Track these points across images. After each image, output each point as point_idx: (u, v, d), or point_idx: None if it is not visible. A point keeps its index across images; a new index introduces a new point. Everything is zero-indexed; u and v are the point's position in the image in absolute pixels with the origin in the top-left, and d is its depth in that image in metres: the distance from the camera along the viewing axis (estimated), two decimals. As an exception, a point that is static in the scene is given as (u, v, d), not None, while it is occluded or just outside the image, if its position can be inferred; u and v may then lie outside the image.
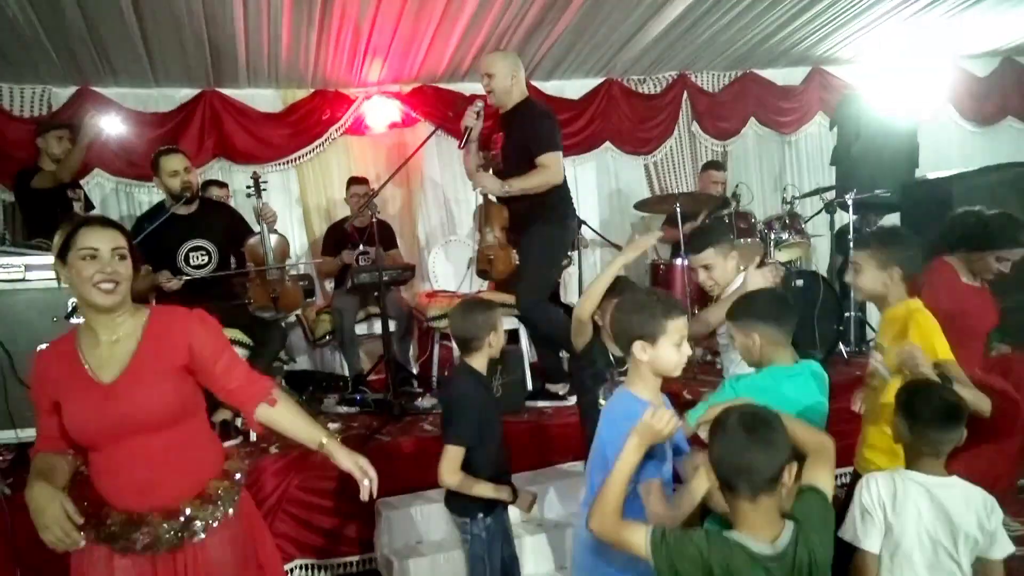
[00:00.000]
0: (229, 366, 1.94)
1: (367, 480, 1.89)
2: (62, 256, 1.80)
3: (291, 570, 3.25)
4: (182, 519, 1.80)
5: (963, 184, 3.95)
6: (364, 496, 1.89)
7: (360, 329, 4.57)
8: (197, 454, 1.91)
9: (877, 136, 5.34)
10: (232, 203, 4.71)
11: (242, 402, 1.96)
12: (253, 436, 3.60)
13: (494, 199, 3.91)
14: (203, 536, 1.82)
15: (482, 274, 4.14)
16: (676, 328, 1.95)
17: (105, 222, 1.88)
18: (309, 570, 3.29)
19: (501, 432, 2.57)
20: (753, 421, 1.60)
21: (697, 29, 5.42)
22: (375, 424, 3.75)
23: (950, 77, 6.53)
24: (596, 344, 2.61)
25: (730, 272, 2.76)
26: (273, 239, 3.91)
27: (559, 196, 3.82)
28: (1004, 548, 1.98)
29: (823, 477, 1.73)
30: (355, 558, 3.32)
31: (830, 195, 5.14)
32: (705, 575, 1.54)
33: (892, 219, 4.80)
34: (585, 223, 4.50)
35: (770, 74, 6.33)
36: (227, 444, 3.24)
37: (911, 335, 2.36)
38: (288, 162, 5.44)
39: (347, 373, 4.53)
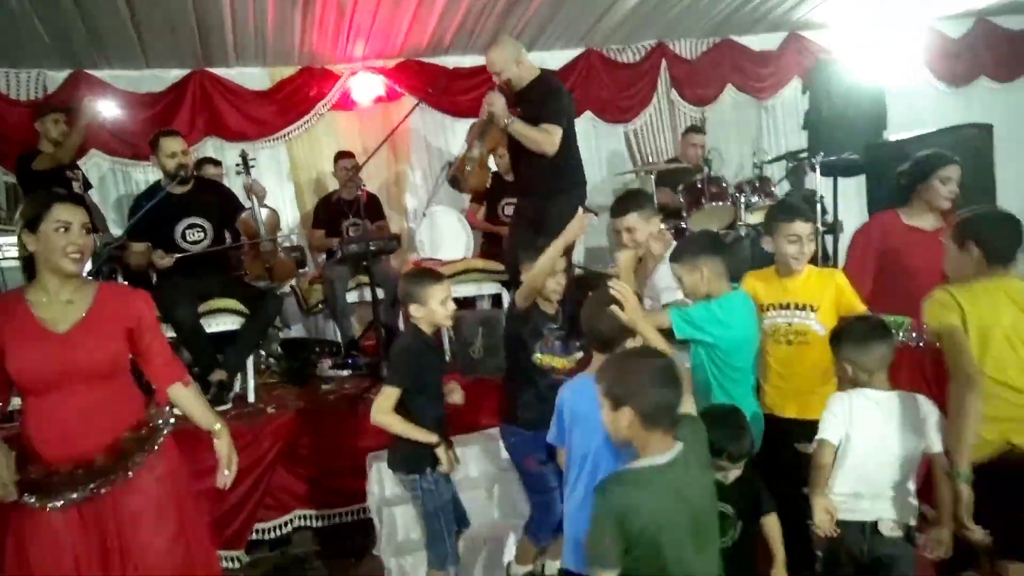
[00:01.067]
0: (158, 346, 2.25)
1: (227, 471, 2.28)
2: (31, 227, 2.04)
3: (290, 520, 3.52)
4: (97, 468, 2.05)
5: (922, 145, 4.09)
6: (219, 483, 2.28)
7: (351, 297, 4.77)
8: (120, 408, 2.15)
9: (847, 99, 5.48)
10: (226, 181, 4.91)
11: (159, 378, 2.26)
12: (251, 398, 3.85)
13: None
14: (120, 481, 2.07)
15: (453, 181, 4.32)
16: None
17: (75, 199, 2.17)
18: (307, 519, 3.56)
19: (439, 388, 2.71)
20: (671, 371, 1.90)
21: (675, -4, 5.52)
22: (365, 385, 4.00)
23: (924, 39, 6.63)
24: (536, 304, 2.83)
25: (649, 233, 2.98)
26: (264, 213, 4.11)
27: (572, 168, 3.94)
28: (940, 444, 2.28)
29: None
30: (350, 508, 3.60)
31: (800, 159, 5.31)
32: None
33: (859, 180, 4.97)
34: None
35: (747, 40, 6.44)
36: (220, 408, 3.50)
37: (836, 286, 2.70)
38: (278, 138, 5.63)
39: (340, 339, 4.76)
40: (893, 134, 5.47)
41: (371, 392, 3.82)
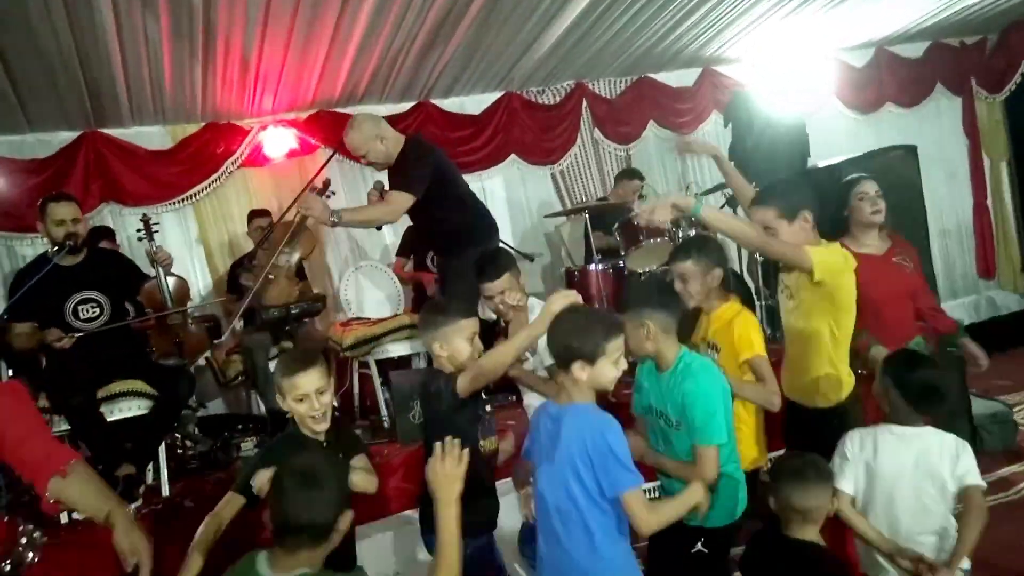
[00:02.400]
0: (23, 437, 1.85)
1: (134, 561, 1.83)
2: None
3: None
4: None
5: (853, 167, 4.12)
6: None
7: (274, 366, 4.38)
8: None
9: (768, 130, 5.54)
10: (125, 250, 4.48)
11: (35, 476, 1.86)
12: (165, 491, 3.40)
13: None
14: None
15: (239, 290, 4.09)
16: (615, 347, 2.04)
17: None
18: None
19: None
20: None
21: (589, 38, 5.49)
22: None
23: (831, 69, 6.82)
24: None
25: (521, 293, 2.95)
26: (171, 282, 3.72)
27: (465, 225, 3.80)
28: (977, 480, 2.21)
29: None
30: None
31: (730, 190, 5.27)
32: None
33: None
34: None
35: (664, 77, 6.47)
36: (131, 505, 3.06)
37: (736, 331, 2.59)
38: (183, 200, 5.23)
39: (264, 413, 4.35)
40: (813, 163, 5.56)
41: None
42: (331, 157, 4.88)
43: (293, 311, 3.87)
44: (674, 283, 2.67)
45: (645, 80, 6.39)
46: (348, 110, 5.59)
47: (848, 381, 2.68)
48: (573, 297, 2.17)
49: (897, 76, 7.07)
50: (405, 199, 3.58)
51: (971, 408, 4.45)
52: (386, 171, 3.79)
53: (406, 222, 4.34)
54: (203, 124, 5.27)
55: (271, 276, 3.87)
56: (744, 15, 5.72)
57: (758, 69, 6.53)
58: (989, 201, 7.44)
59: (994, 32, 7.32)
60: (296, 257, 3.99)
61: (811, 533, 2.14)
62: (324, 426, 2.33)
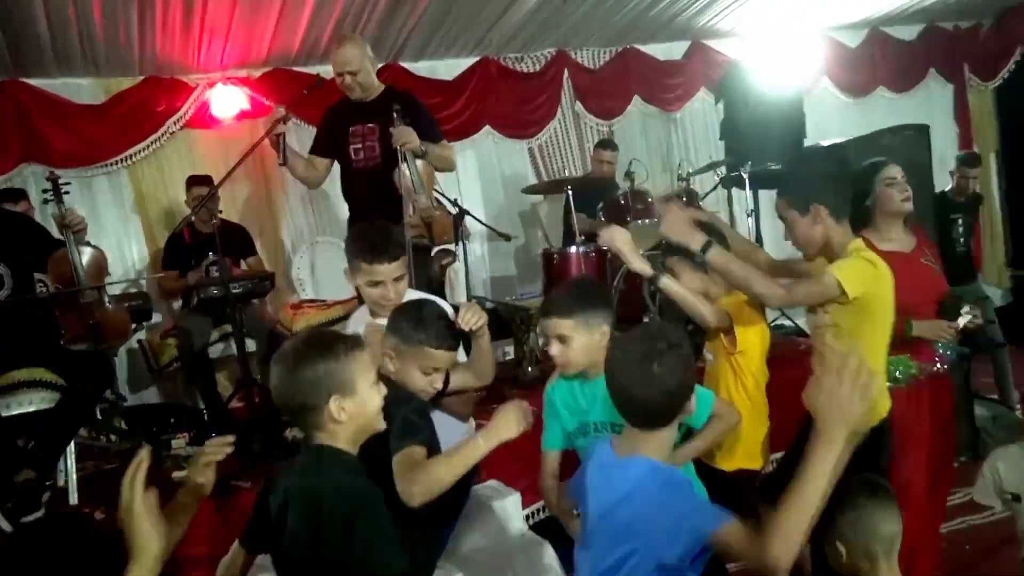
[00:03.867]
0: None
1: None
2: None
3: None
4: None
5: (861, 148, 3.76)
6: None
7: (215, 351, 3.91)
8: None
9: (763, 108, 5.17)
10: (37, 216, 3.92)
11: None
12: (73, 498, 2.90)
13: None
14: None
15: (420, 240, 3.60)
16: None
17: None
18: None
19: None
20: None
21: (574, 2, 5.05)
22: (235, 465, 3.11)
23: (824, 49, 6.48)
24: None
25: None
26: (85, 253, 3.19)
27: None
28: None
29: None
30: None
31: (723, 170, 4.91)
32: None
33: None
34: (468, 213, 4.03)
35: (651, 49, 6.07)
36: (30, 517, 2.58)
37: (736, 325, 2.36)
38: (117, 163, 4.68)
39: (202, 405, 3.86)
40: (807, 142, 5.21)
41: (239, 478, 2.94)
42: (285, 118, 4.38)
43: (235, 290, 3.38)
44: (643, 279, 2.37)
45: (631, 51, 5.97)
46: (307, 69, 5.09)
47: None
48: (523, 424, 1.78)
49: (890, 59, 6.75)
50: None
51: (973, 410, 4.16)
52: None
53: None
54: (141, 78, 4.71)
55: (430, 218, 3.53)
56: (740, -16, 5.35)
57: (750, 44, 6.15)
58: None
59: (989, 16, 7.04)
60: (430, 190, 3.56)
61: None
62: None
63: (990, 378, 4.61)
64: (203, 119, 4.87)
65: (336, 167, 3.68)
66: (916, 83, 6.91)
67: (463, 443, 1.80)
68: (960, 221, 4.74)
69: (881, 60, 6.72)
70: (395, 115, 3.24)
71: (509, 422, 1.74)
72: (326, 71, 5.03)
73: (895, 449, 2.42)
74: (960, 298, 2.69)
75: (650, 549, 1.48)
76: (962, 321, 2.58)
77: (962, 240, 4.76)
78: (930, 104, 6.97)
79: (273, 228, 5.13)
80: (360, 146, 3.44)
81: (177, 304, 4.44)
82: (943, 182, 4.95)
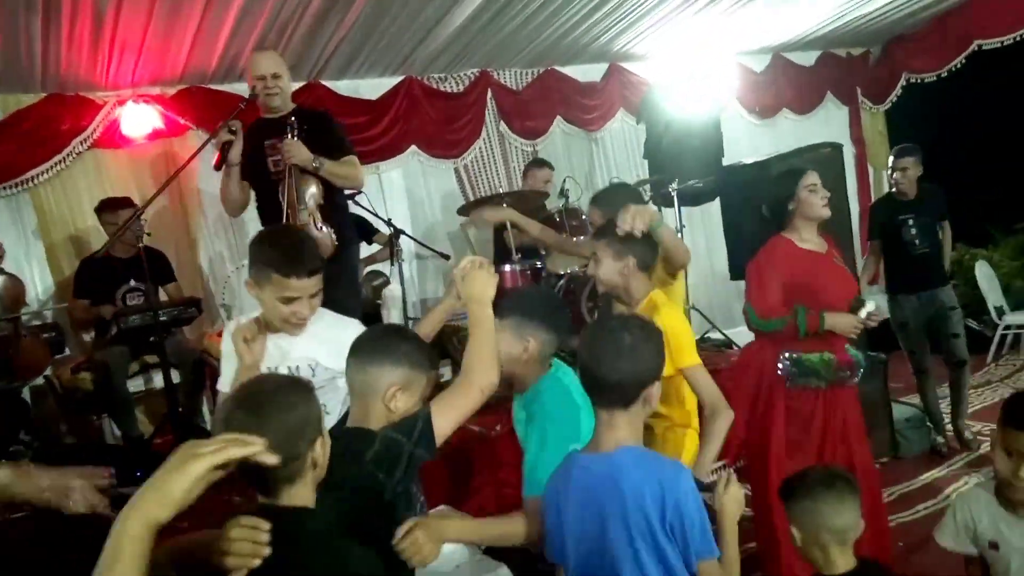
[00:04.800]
0: None
1: None
2: None
3: None
4: None
5: (782, 165, 3.94)
6: None
7: (135, 385, 3.67)
8: None
9: (682, 129, 5.37)
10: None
11: None
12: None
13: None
14: None
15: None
16: None
17: None
18: None
19: None
20: None
21: (495, 24, 5.11)
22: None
23: (733, 73, 6.78)
24: None
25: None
26: (-2, 281, 2.94)
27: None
28: None
29: None
30: None
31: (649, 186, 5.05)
32: None
33: (713, 206, 4.81)
34: (404, 232, 3.96)
35: (571, 71, 6.19)
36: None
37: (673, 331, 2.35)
38: (17, 185, 4.35)
39: (122, 443, 3.60)
40: (725, 161, 5.43)
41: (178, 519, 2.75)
42: (207, 141, 4.19)
43: (161, 318, 3.18)
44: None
45: (552, 73, 6.08)
46: (225, 88, 4.90)
47: None
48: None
49: (792, 83, 7.15)
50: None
51: (892, 413, 4.39)
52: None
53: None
54: (43, 95, 4.42)
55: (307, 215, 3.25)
56: (653, 11, 5.53)
57: (664, 68, 6.38)
58: (873, 209, 7.67)
59: (877, 44, 7.57)
60: (314, 189, 3.27)
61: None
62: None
63: (899, 383, 4.84)
64: (113, 138, 4.60)
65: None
66: (816, 105, 7.34)
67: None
68: (911, 221, 4.27)
69: (784, 84, 7.10)
70: (288, 128, 3.17)
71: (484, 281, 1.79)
72: (243, 89, 4.90)
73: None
74: (862, 298, 2.82)
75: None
76: (863, 313, 2.69)
77: (917, 242, 4.25)
78: (829, 125, 7.39)
79: (190, 253, 4.88)
80: (278, 157, 3.30)
81: (89, 335, 4.14)
82: (851, 197, 5.20)
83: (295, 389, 1.37)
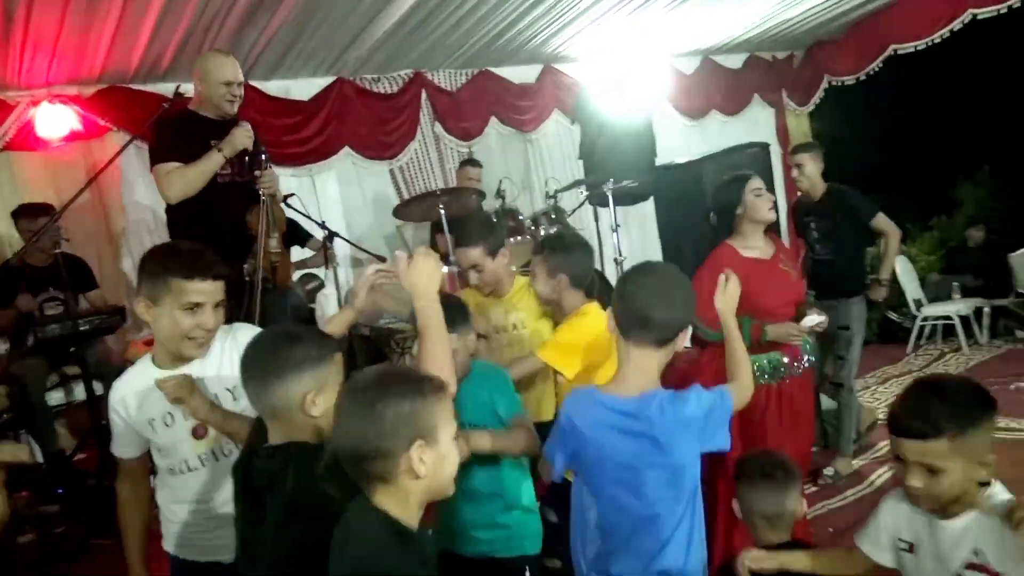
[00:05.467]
0: None
1: None
2: None
3: None
4: None
5: (711, 165, 4.03)
6: None
7: (55, 398, 3.50)
8: None
9: (617, 130, 5.44)
10: None
11: None
12: None
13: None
14: None
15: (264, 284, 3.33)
16: None
17: None
18: None
19: None
20: None
21: (428, 25, 5.08)
22: (89, 524, 2.78)
23: (665, 75, 6.90)
24: None
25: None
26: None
27: None
28: None
29: None
30: None
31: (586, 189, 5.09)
32: None
33: (647, 206, 4.89)
34: (338, 235, 3.89)
35: (505, 72, 6.20)
36: None
37: (560, 328, 2.52)
38: (-76, 190, 4.10)
39: (41, 459, 3.43)
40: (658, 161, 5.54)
41: (99, 535, 2.63)
42: (129, 142, 4.05)
43: (82, 327, 3.05)
44: None
45: (486, 74, 6.08)
46: (148, 88, 4.72)
47: None
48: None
49: (721, 85, 7.33)
50: None
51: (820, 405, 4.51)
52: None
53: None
54: (-51, 94, 4.19)
55: (276, 261, 3.29)
56: (585, 13, 5.58)
57: (597, 69, 6.44)
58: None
59: (801, 48, 7.83)
60: (279, 235, 3.35)
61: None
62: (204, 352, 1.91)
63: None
64: (27, 140, 4.39)
65: None
66: (743, 107, 7.55)
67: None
68: (813, 224, 4.10)
69: (713, 86, 7.28)
70: (263, 158, 3.22)
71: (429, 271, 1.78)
72: (167, 89, 4.75)
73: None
74: (803, 309, 2.90)
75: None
76: (806, 323, 2.79)
77: (818, 247, 4.09)
78: (756, 126, 7.63)
79: (113, 260, 4.69)
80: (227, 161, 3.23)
81: (5, 346, 3.93)
82: (779, 196, 5.35)
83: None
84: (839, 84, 7.58)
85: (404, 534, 1.30)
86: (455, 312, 2.05)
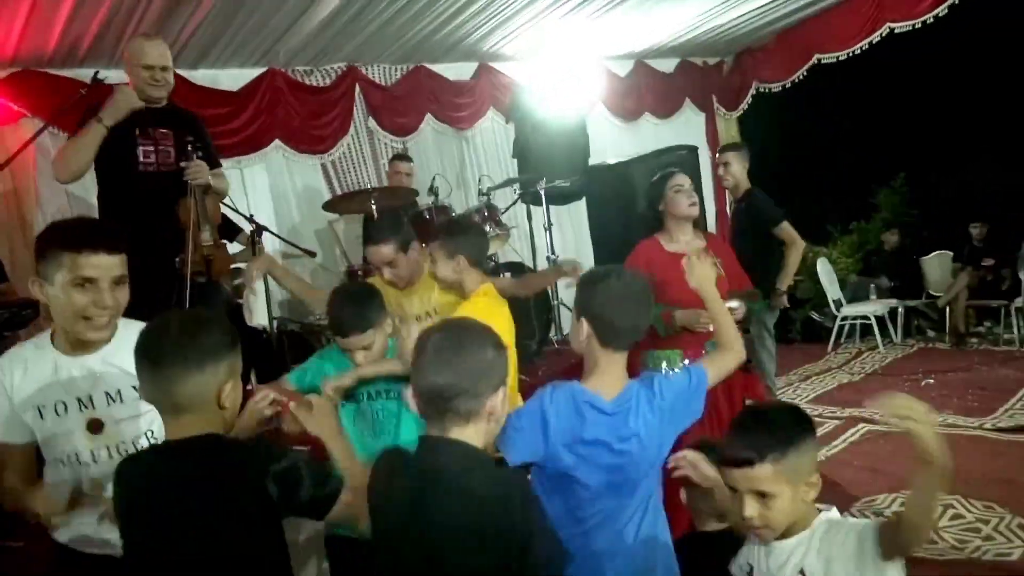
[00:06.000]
0: None
1: None
2: None
3: None
4: None
5: (641, 166, 4.13)
6: None
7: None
8: None
9: (550, 129, 5.49)
10: None
11: None
12: None
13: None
14: None
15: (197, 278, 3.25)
16: None
17: None
18: None
19: None
20: None
21: (363, 18, 5.02)
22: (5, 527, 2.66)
23: (599, 77, 7.01)
24: None
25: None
26: None
27: None
28: None
29: None
30: None
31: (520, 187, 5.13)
32: None
33: (580, 205, 4.94)
34: (267, 229, 3.82)
35: (441, 69, 6.18)
36: None
37: (464, 305, 2.53)
38: None
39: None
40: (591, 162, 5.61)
41: (12, 536, 2.51)
42: (43, 129, 3.87)
43: (-11, 321, 2.90)
44: None
45: (422, 70, 6.04)
46: (65, 73, 4.53)
47: None
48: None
49: (653, 88, 7.48)
50: None
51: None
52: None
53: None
54: None
55: (211, 256, 3.22)
56: (521, 12, 5.63)
57: (533, 69, 6.50)
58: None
59: (730, 55, 8.05)
60: (213, 225, 3.28)
61: None
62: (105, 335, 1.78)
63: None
64: (-68, 125, 4.16)
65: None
66: (675, 110, 7.73)
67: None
68: (733, 223, 4.30)
69: (646, 89, 7.43)
70: (189, 147, 3.16)
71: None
72: (85, 75, 4.56)
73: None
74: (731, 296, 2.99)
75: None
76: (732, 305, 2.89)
77: (736, 245, 3.94)
78: (688, 129, 7.81)
79: (26, 251, 4.48)
80: (152, 148, 3.15)
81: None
82: (708, 198, 5.48)
83: (487, 334, 1.47)
84: (766, 91, 7.83)
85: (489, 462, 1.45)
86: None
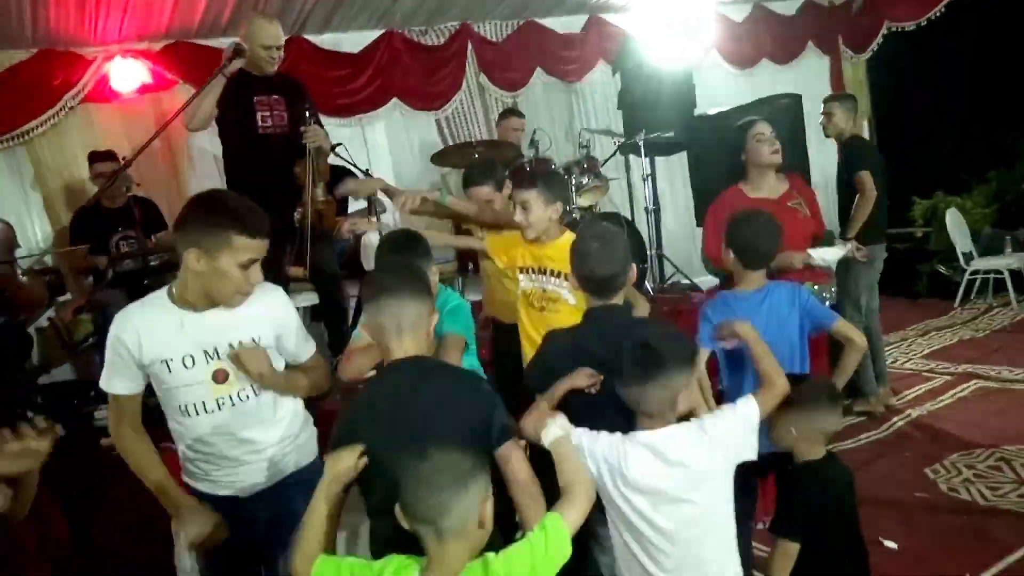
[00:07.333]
0: None
1: None
2: None
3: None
4: None
5: (742, 114, 4.10)
6: None
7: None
8: None
9: (657, 80, 5.50)
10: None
11: None
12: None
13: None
14: None
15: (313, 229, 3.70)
16: None
17: None
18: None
19: None
20: None
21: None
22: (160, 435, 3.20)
23: (713, 23, 6.85)
24: None
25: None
26: (-8, 227, 3.17)
27: None
28: None
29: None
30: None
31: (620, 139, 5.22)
32: None
33: (680, 156, 4.97)
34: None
35: (550, 23, 6.27)
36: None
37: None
38: (13, 139, 4.55)
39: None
40: (698, 112, 5.58)
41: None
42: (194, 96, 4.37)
43: (152, 262, 3.43)
44: None
45: (532, 24, 6.17)
46: (210, 42, 5.04)
47: None
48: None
49: (772, 32, 7.21)
50: None
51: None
52: None
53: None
54: (34, 51, 4.58)
55: (323, 210, 3.64)
56: (632, -40, 5.62)
57: (643, 19, 6.45)
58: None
59: (860, -7, 7.60)
60: (324, 185, 3.68)
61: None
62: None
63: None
64: (103, 93, 4.79)
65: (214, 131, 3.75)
66: (796, 55, 7.40)
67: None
68: (837, 172, 4.33)
69: (764, 34, 7.16)
70: (307, 114, 3.50)
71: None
72: (227, 44, 5.04)
73: None
74: (831, 234, 3.04)
75: None
76: (814, 252, 2.94)
77: (839, 194, 4.28)
78: (809, 75, 7.47)
79: (180, 203, 5.07)
80: (268, 114, 3.57)
81: (87, 280, 4.39)
82: (821, 151, 5.29)
83: (614, 225, 2.07)
84: (899, 29, 7.37)
85: None
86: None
